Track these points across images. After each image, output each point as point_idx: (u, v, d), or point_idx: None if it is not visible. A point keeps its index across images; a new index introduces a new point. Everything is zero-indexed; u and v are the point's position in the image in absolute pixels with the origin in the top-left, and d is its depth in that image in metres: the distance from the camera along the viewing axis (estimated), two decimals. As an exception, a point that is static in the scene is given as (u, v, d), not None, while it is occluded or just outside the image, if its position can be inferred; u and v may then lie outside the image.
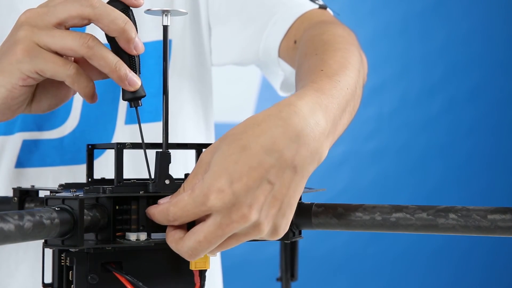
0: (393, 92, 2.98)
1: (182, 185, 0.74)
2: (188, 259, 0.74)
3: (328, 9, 1.12)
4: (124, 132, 1.07)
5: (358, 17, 2.97)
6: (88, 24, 0.78)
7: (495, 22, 3.11)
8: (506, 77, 3.12)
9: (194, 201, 0.71)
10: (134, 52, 0.78)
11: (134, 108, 0.79)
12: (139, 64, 0.80)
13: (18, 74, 0.78)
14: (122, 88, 0.79)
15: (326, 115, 0.75)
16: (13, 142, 1.03)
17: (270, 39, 1.10)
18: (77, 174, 1.04)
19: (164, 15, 0.79)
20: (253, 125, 0.72)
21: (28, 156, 1.04)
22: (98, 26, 0.78)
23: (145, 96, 0.79)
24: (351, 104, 0.83)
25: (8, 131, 1.04)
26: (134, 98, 0.79)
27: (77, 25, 0.79)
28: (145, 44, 1.07)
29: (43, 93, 0.83)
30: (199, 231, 0.71)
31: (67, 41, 0.77)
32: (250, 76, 2.67)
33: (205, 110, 1.17)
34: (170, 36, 1.10)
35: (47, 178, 1.04)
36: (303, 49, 0.96)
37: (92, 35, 0.78)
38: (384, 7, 3.03)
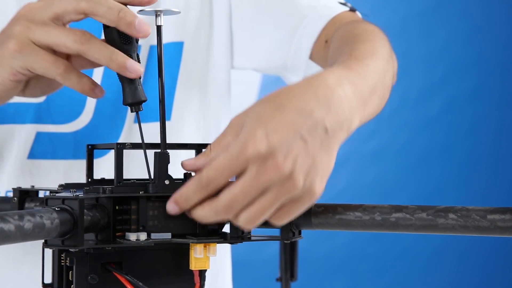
0: (393, 92, 2.96)
1: (208, 146, 0.74)
2: (222, 216, 0.72)
3: (357, 11, 1.14)
4: (132, 131, 1.08)
5: (358, 17, 2.97)
6: (84, 18, 0.79)
7: (494, 22, 3.11)
8: (506, 77, 3.12)
9: (231, 155, 0.71)
10: (139, 35, 0.78)
11: (135, 112, 0.79)
12: (138, 55, 0.80)
13: (9, 69, 0.79)
14: (123, 93, 0.79)
15: (353, 88, 0.78)
16: (26, 133, 1.04)
17: (302, 41, 1.11)
18: None
19: (157, 15, 0.79)
20: (286, 91, 0.75)
21: (41, 148, 1.06)
22: (95, 19, 0.78)
23: (146, 100, 0.79)
24: (380, 88, 0.86)
25: (20, 120, 1.05)
26: (134, 103, 0.79)
27: (73, 20, 0.79)
28: (153, 46, 1.07)
29: (37, 82, 0.84)
30: (234, 186, 0.71)
31: (61, 38, 0.77)
32: (250, 77, 2.67)
33: (214, 113, 1.17)
34: (182, 38, 1.11)
35: (59, 171, 1.06)
36: (335, 44, 1.00)
37: (85, 31, 0.78)
38: (384, 7, 3.03)
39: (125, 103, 0.79)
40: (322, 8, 1.11)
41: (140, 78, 0.80)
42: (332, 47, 1.01)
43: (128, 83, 0.79)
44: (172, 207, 0.74)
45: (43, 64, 0.78)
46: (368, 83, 0.82)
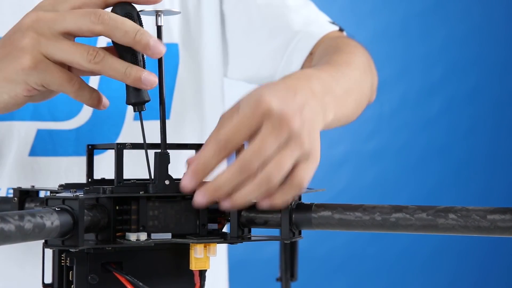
0: (393, 92, 2.97)
1: (206, 141, 0.74)
2: (243, 174, 0.73)
3: (344, 31, 1.20)
4: (132, 129, 1.09)
5: (358, 17, 2.97)
6: (98, 36, 0.78)
7: (494, 22, 3.11)
8: (506, 77, 3.12)
9: (245, 113, 0.73)
10: (154, 57, 0.78)
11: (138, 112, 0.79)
12: (144, 62, 0.80)
13: (24, 85, 0.79)
14: (126, 92, 0.79)
15: (322, 84, 0.82)
16: (26, 130, 1.04)
17: (293, 55, 1.15)
18: None
19: (157, 15, 0.79)
20: (269, 83, 0.79)
21: (42, 145, 1.06)
22: (110, 39, 0.78)
23: (149, 100, 0.79)
24: (356, 93, 0.93)
25: (18, 117, 1.05)
26: (137, 103, 0.79)
27: (85, 36, 0.78)
28: None
29: (40, 92, 0.83)
30: (254, 142, 0.73)
31: (76, 57, 0.77)
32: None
33: (212, 115, 1.18)
34: (176, 40, 1.12)
35: (60, 168, 1.07)
36: (317, 55, 1.07)
37: (97, 49, 0.77)
38: (384, 7, 3.03)
39: (128, 102, 0.79)
40: (313, 26, 1.16)
41: None
42: (314, 58, 1.08)
43: None
44: (188, 181, 0.74)
45: (59, 81, 0.78)
46: (341, 85, 0.87)
